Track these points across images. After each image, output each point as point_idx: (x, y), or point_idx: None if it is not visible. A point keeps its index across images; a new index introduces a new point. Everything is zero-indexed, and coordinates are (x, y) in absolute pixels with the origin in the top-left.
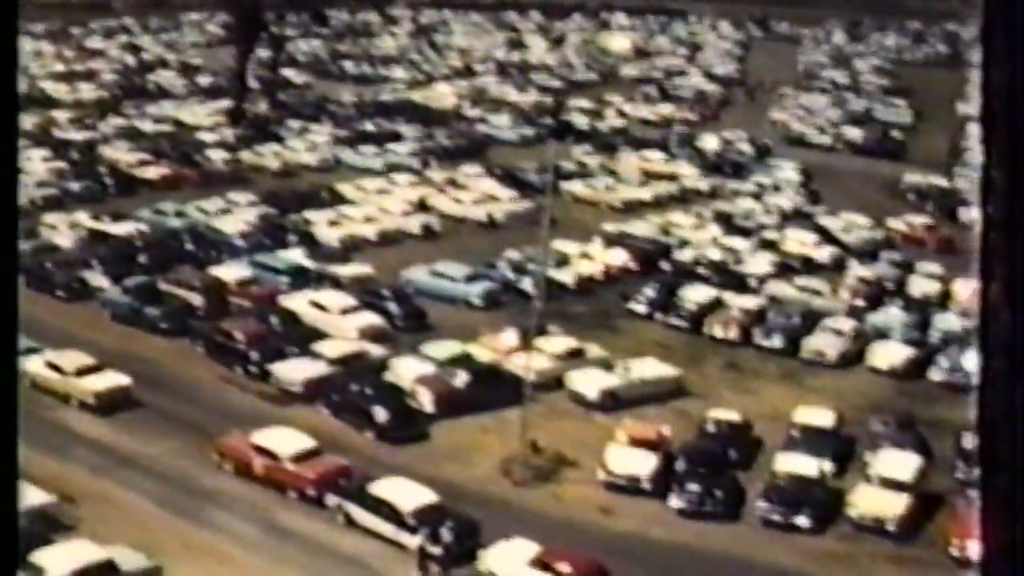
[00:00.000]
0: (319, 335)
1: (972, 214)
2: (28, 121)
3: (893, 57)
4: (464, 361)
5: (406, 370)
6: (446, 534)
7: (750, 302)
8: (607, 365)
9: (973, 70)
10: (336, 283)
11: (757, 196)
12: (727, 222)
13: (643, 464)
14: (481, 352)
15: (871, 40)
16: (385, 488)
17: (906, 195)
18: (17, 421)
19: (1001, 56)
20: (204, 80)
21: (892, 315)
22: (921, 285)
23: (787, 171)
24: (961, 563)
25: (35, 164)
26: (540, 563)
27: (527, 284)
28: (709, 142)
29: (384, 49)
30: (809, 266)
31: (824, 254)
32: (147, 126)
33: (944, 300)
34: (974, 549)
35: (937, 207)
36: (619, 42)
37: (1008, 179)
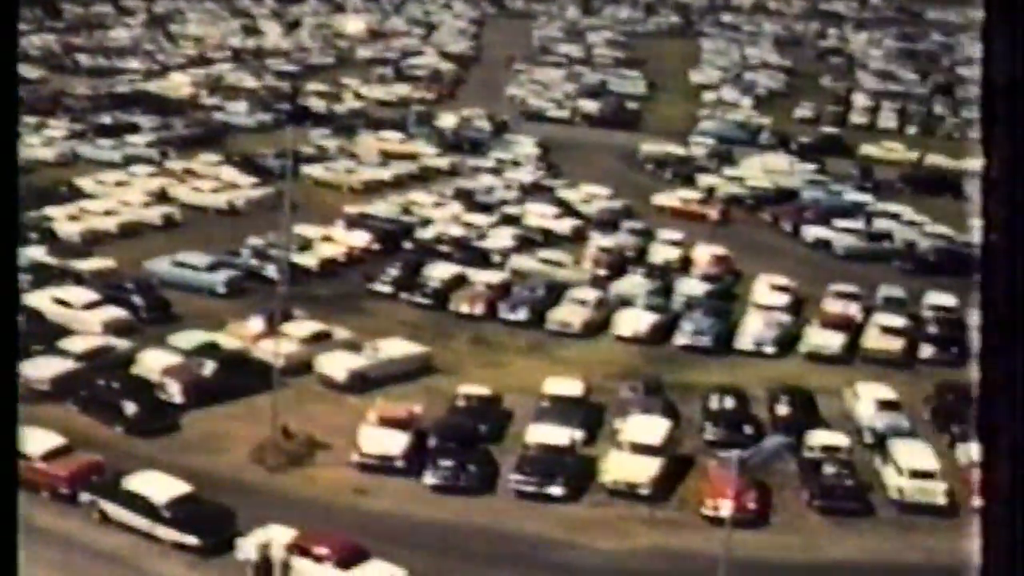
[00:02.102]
0: (64, 331)
1: (708, 180)
2: None
3: (626, 29)
4: (211, 350)
5: (153, 362)
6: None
7: (494, 277)
8: (355, 346)
9: (704, 39)
10: (78, 278)
11: (497, 172)
12: (468, 199)
13: (395, 443)
14: (228, 340)
15: (604, 13)
16: (138, 482)
17: (644, 165)
18: (17, 419)
19: (1001, 56)
20: None
21: (635, 283)
22: (662, 252)
23: (525, 146)
24: (713, 522)
25: None
26: (297, 547)
27: (271, 270)
28: (447, 120)
29: (118, 40)
30: (551, 238)
31: (565, 226)
32: None
33: (685, 266)
34: (726, 508)
35: (675, 175)
36: (354, 24)
37: (1008, 179)
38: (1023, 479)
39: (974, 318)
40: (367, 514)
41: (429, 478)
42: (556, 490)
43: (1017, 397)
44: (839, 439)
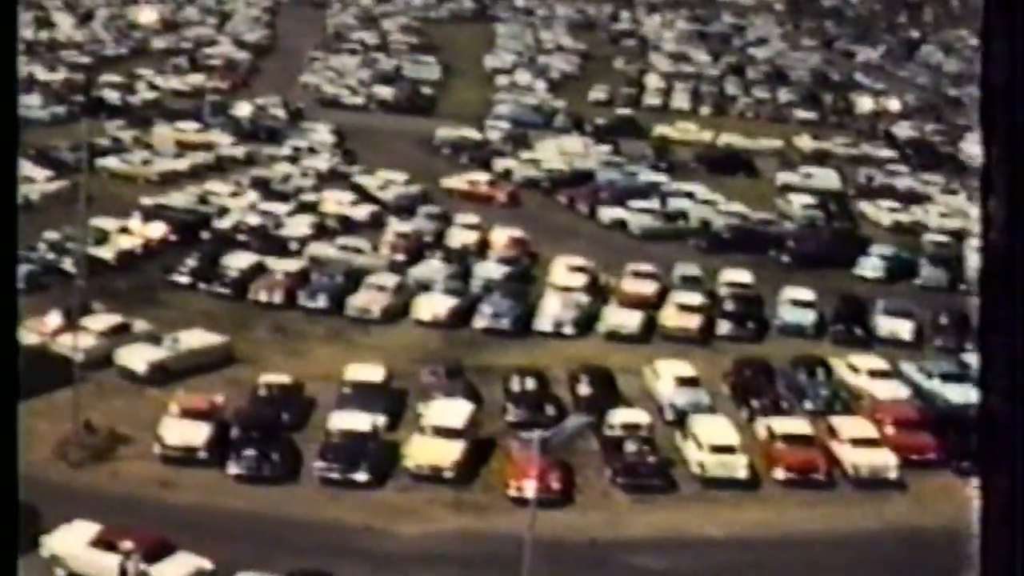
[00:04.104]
0: None
1: (504, 164)
2: None
3: (420, 15)
4: None
5: None
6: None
7: (292, 265)
8: (154, 338)
9: (498, 24)
10: None
11: (293, 160)
12: (265, 187)
13: (198, 434)
14: (26, 335)
15: (398, 0)
16: None
17: (440, 149)
18: (17, 417)
19: (1001, 56)
20: None
21: (433, 267)
22: (460, 236)
23: (322, 133)
24: (518, 503)
25: None
26: (102, 542)
27: (68, 264)
28: (242, 109)
29: None
30: (348, 225)
31: (362, 212)
32: None
33: (483, 249)
34: (529, 488)
35: (471, 159)
36: (147, 15)
37: (1008, 179)
38: (1022, 471)
39: (782, 296)
40: (172, 506)
41: (233, 468)
42: (360, 476)
43: (1017, 396)
44: (640, 416)
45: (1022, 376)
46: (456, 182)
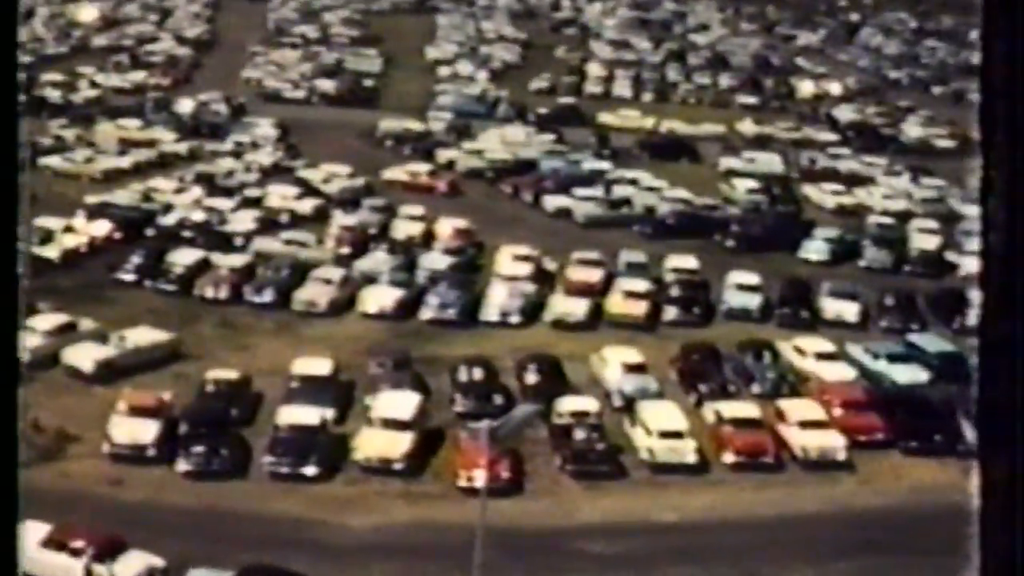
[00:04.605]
0: None
1: (447, 154)
2: None
3: (361, 8)
4: None
5: None
6: None
7: (238, 260)
8: (101, 336)
9: (440, 15)
10: None
11: (237, 155)
12: (209, 183)
13: (146, 431)
14: None
15: None
16: None
17: (383, 141)
18: (17, 423)
19: (1001, 56)
20: None
21: (378, 259)
22: (404, 227)
23: (264, 128)
24: (468, 493)
25: None
26: (53, 542)
27: None
28: (184, 105)
29: None
30: (293, 219)
31: (307, 206)
32: None
33: (428, 240)
34: (479, 478)
35: (414, 150)
36: (88, 12)
37: (1008, 179)
38: (1021, 462)
39: (730, 282)
40: (123, 504)
41: (182, 465)
42: (309, 470)
43: (1016, 396)
44: (588, 404)
45: (1022, 377)
46: (396, 173)
